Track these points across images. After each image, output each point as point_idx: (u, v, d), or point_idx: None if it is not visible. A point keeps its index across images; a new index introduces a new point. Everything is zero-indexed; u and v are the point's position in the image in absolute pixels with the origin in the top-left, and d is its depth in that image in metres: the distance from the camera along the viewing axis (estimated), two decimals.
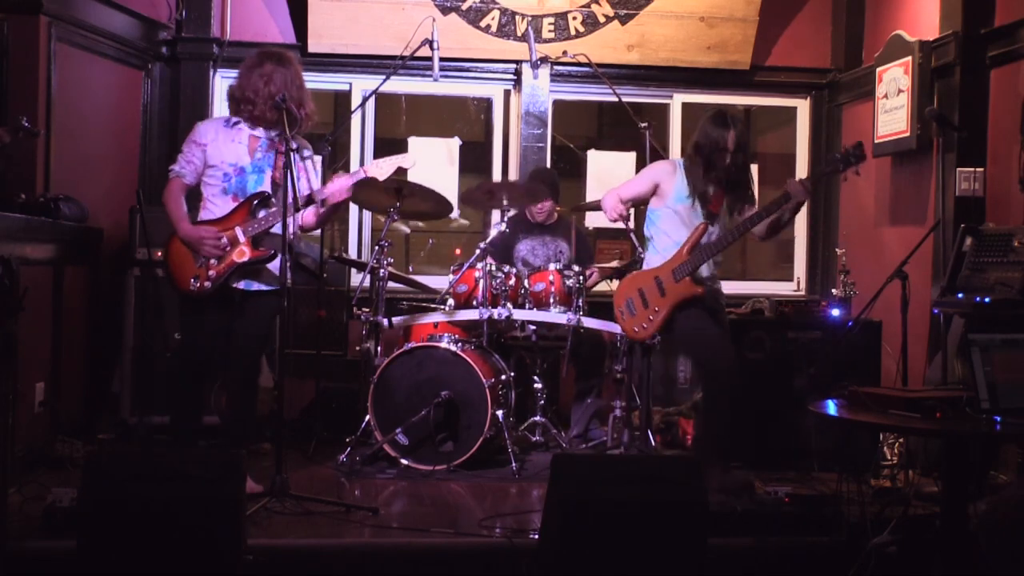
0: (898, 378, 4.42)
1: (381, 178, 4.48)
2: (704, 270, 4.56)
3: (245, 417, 4.48)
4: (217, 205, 4.34)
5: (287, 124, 4.13)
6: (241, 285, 4.33)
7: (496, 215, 5.73)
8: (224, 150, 4.34)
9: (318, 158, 4.77)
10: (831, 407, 3.47)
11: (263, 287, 4.37)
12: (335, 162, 6.76)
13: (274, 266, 4.34)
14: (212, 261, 4.27)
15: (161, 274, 4.50)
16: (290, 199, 4.08)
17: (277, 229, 4.31)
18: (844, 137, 6.62)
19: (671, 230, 4.58)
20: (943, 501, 3.58)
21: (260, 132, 4.39)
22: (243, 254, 4.28)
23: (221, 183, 4.34)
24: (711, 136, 4.54)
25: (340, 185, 4.40)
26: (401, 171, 4.56)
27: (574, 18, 6.31)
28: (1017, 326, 3.87)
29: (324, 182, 4.57)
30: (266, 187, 4.36)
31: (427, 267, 8.20)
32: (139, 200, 5.31)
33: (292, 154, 4.31)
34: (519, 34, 6.24)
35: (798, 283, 6.82)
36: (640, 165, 6.27)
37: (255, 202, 4.33)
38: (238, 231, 4.29)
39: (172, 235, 4.36)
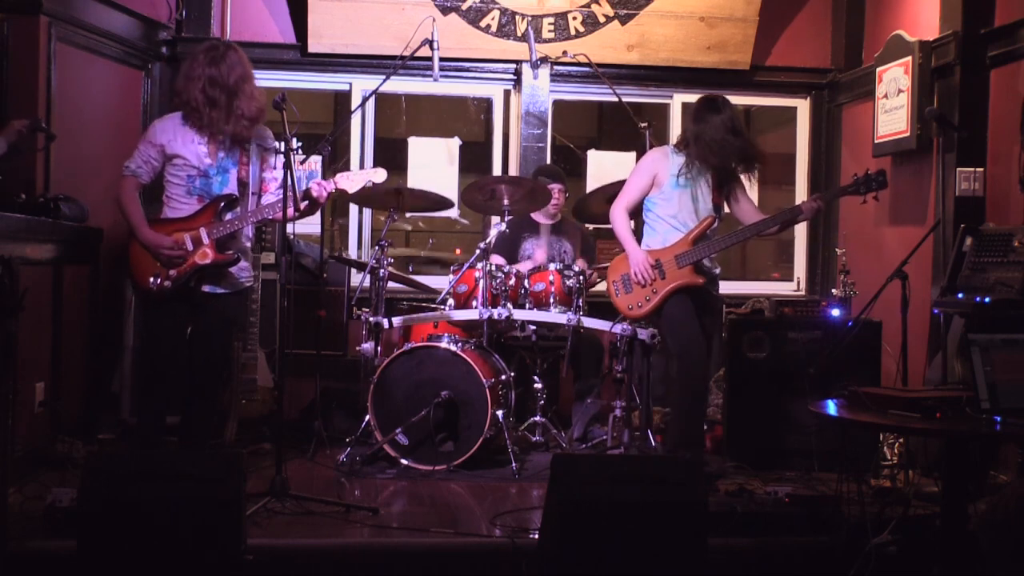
0: (898, 378, 4.42)
1: (351, 191, 4.45)
2: (706, 260, 4.66)
3: (205, 418, 4.43)
4: (183, 204, 4.25)
5: (286, 125, 4.12)
6: (206, 288, 4.27)
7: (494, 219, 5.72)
8: (184, 150, 4.24)
9: (316, 158, 4.74)
10: (831, 407, 3.47)
11: (224, 290, 4.32)
12: (335, 162, 6.75)
13: (234, 270, 4.32)
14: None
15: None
16: (289, 199, 4.07)
17: (247, 231, 4.34)
18: (844, 137, 6.63)
19: (668, 215, 4.68)
20: (943, 501, 3.58)
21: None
22: (206, 256, 4.21)
23: (185, 184, 4.25)
24: (711, 123, 4.59)
25: (317, 192, 4.34)
26: (374, 185, 4.53)
27: (574, 18, 6.31)
28: (1017, 326, 3.87)
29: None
30: (232, 188, 4.28)
31: (427, 267, 8.21)
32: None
33: (254, 145, 4.31)
34: (519, 34, 6.24)
35: (798, 283, 6.82)
36: None
37: (222, 204, 4.25)
38: (203, 232, 4.21)
39: (132, 235, 4.27)
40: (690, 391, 4.61)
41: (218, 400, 4.57)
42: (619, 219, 4.75)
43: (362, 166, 6.21)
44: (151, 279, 4.21)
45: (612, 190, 5.12)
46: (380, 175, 4.55)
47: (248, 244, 4.45)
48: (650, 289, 4.61)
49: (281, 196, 4.21)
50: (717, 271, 4.80)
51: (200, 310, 4.27)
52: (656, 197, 4.70)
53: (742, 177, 4.79)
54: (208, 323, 4.30)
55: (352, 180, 4.45)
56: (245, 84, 4.24)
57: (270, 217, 4.29)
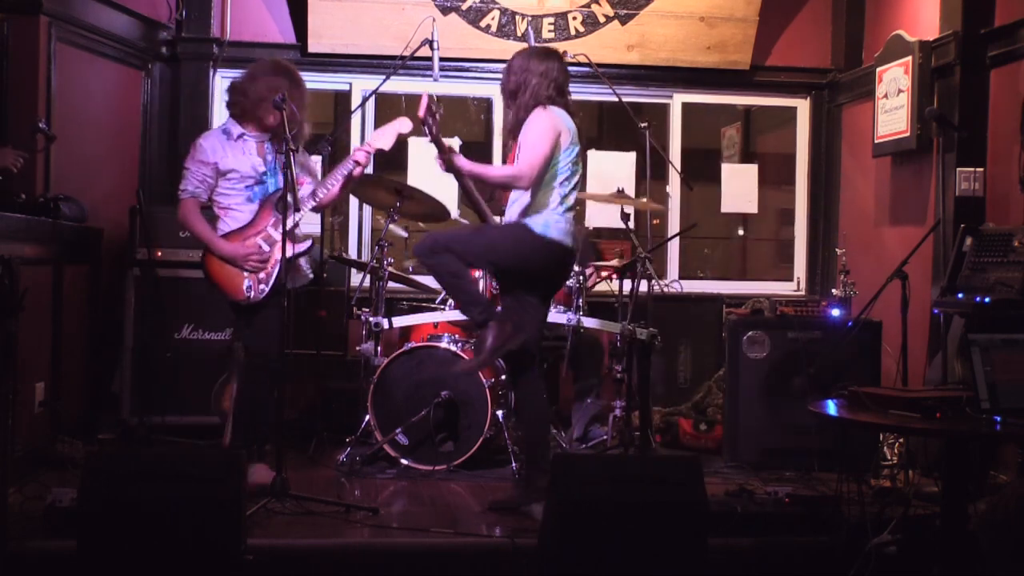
0: (898, 378, 4.42)
1: (387, 147, 4.50)
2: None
3: (267, 413, 4.47)
4: (241, 212, 4.39)
5: (286, 125, 4.13)
6: (288, 285, 4.37)
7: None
8: (237, 163, 4.38)
9: (316, 158, 4.79)
10: (831, 407, 3.47)
11: (295, 284, 4.51)
12: (335, 162, 6.74)
13: (302, 263, 4.52)
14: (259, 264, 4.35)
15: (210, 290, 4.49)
16: (289, 198, 4.11)
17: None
18: (844, 137, 6.62)
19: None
20: (943, 501, 3.58)
21: (263, 135, 4.44)
22: (288, 250, 4.32)
23: (244, 193, 4.39)
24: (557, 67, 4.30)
25: (364, 159, 4.46)
26: (402, 136, 4.55)
27: (574, 18, 6.31)
28: (1017, 326, 3.87)
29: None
30: (281, 184, 4.39)
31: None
32: (139, 200, 5.31)
33: (292, 156, 4.34)
34: (519, 34, 6.24)
35: (798, 283, 6.82)
36: (640, 165, 6.27)
37: (276, 200, 4.36)
38: (271, 230, 4.36)
39: (206, 253, 4.39)
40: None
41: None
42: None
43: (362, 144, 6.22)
44: (245, 290, 4.33)
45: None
46: (406, 124, 4.54)
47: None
48: None
49: (328, 179, 4.45)
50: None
51: (277, 305, 4.33)
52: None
53: None
54: (271, 317, 4.38)
55: (384, 137, 4.50)
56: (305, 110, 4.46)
57: (325, 200, 4.46)
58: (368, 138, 4.52)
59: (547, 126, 4.14)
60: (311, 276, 4.64)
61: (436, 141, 4.18)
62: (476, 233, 4.42)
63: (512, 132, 4.31)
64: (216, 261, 4.37)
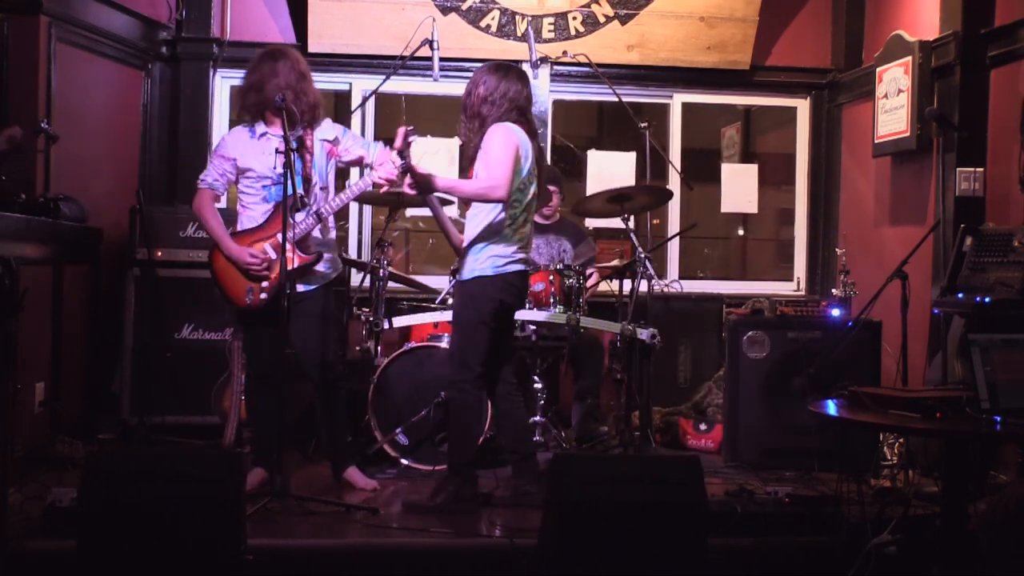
0: (898, 378, 4.42)
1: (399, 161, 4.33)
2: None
3: (341, 425, 4.53)
4: (256, 214, 4.36)
5: (286, 123, 4.13)
6: (300, 288, 4.34)
7: None
8: (256, 162, 4.34)
9: (347, 131, 4.68)
10: (831, 407, 3.47)
11: (314, 286, 4.41)
12: None
13: (320, 266, 4.41)
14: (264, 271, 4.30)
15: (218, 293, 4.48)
16: (290, 199, 4.09)
17: (317, 232, 4.39)
18: (844, 137, 6.62)
19: None
20: (943, 501, 3.58)
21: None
22: (291, 261, 4.24)
23: (260, 192, 4.35)
24: (524, 92, 4.39)
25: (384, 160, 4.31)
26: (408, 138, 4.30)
27: (574, 18, 6.31)
28: (1017, 326, 3.87)
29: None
30: (299, 188, 4.32)
31: (427, 267, 8.21)
32: (139, 200, 5.32)
33: (322, 144, 4.42)
34: (519, 34, 6.24)
35: (798, 283, 6.82)
36: (640, 165, 6.27)
37: (290, 204, 4.27)
38: (280, 236, 4.25)
39: (214, 251, 4.38)
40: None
41: (343, 401, 4.61)
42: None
43: (361, 168, 6.20)
44: (247, 297, 4.31)
45: (613, 192, 5.12)
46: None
47: (332, 235, 4.50)
48: None
49: (362, 178, 4.35)
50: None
51: (295, 312, 4.29)
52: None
53: None
54: (306, 324, 4.37)
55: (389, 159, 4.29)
56: (308, 77, 4.41)
57: (340, 206, 4.41)
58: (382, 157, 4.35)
59: (507, 140, 4.19)
60: (331, 274, 4.49)
61: (408, 168, 4.19)
62: (458, 333, 4.31)
63: (471, 157, 4.33)
64: (222, 261, 4.35)
